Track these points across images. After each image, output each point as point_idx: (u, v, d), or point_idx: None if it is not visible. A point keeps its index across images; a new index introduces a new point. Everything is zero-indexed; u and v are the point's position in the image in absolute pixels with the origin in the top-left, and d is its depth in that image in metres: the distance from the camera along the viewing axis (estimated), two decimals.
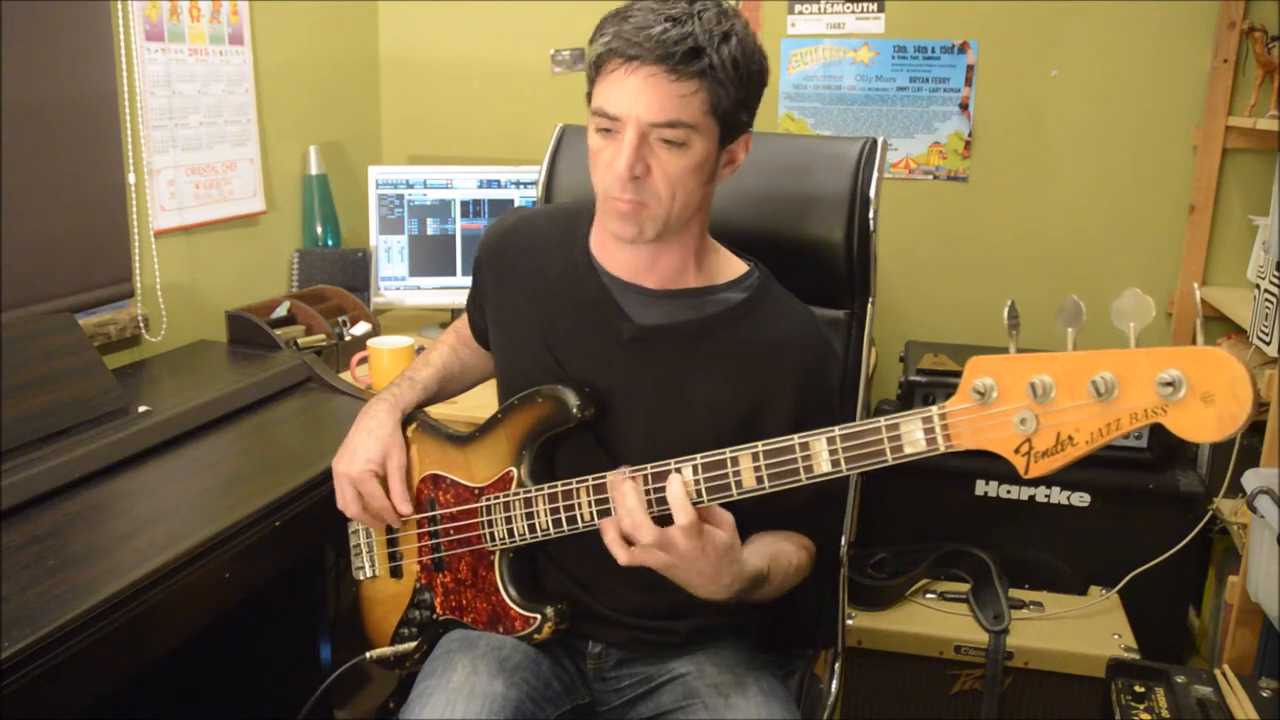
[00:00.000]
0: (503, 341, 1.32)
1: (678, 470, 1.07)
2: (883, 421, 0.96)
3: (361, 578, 1.39)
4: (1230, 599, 1.94)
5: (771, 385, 1.20)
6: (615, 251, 1.23)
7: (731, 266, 1.26)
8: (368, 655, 1.35)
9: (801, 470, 1.02)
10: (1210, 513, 2.04)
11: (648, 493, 1.08)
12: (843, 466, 1.00)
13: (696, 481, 1.06)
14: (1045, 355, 0.86)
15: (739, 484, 1.05)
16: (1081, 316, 0.86)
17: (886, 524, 2.21)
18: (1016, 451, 0.88)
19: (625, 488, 1.06)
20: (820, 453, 1.01)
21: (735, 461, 1.05)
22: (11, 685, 1.01)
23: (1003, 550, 2.12)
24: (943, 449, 0.93)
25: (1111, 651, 1.87)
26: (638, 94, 1.08)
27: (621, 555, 1.06)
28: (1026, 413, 0.87)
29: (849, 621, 1.97)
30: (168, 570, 1.21)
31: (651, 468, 1.09)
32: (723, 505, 1.08)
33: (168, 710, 1.72)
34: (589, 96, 1.15)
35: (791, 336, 1.23)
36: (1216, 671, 1.65)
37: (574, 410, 1.19)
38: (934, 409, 0.93)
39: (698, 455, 1.07)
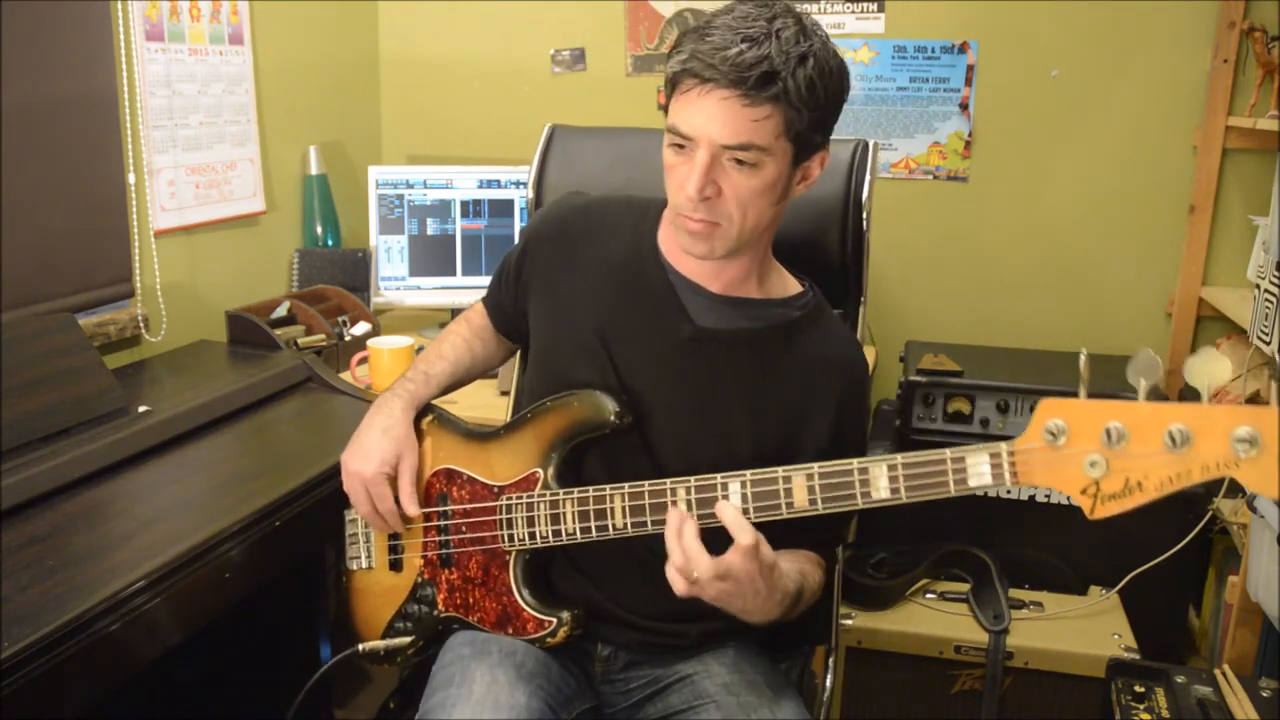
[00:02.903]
0: (548, 325, 1.30)
1: (724, 496, 1.07)
2: (948, 453, 0.97)
3: (356, 568, 1.38)
4: (1230, 599, 1.94)
5: (813, 402, 1.21)
6: (683, 252, 1.23)
7: (789, 284, 1.28)
8: (360, 648, 1.34)
9: (859, 495, 1.02)
10: (1210, 513, 2.04)
11: (690, 505, 1.09)
12: (902, 494, 1.00)
13: (744, 497, 1.06)
14: (1120, 403, 0.89)
15: (790, 504, 1.05)
16: (1158, 371, 0.89)
17: (886, 524, 2.20)
18: (1083, 493, 0.91)
19: (687, 529, 1.03)
20: (879, 479, 1.01)
21: (788, 480, 1.05)
22: (12, 685, 1.01)
23: (1003, 550, 2.11)
24: (1008, 484, 0.95)
25: (1111, 651, 1.87)
26: (710, 117, 1.07)
27: (680, 586, 1.04)
28: (1097, 456, 0.89)
29: (849, 621, 1.97)
30: (168, 570, 1.21)
31: (696, 480, 1.09)
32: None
33: (168, 710, 1.72)
34: (664, 108, 1.15)
35: (839, 358, 1.24)
36: (1216, 671, 1.65)
37: (611, 417, 1.19)
38: (1003, 445, 0.95)
39: (747, 472, 1.07)
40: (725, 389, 1.21)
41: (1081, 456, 0.90)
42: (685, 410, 1.21)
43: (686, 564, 1.02)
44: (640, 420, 1.21)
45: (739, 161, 1.09)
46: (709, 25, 1.09)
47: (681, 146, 1.11)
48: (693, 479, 1.10)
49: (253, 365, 1.88)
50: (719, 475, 1.08)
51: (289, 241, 2.45)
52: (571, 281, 1.27)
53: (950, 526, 2.16)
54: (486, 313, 1.44)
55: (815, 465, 1.04)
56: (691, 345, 1.21)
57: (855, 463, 1.02)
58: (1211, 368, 0.86)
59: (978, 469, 0.96)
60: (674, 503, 1.11)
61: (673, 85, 1.11)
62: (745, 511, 1.06)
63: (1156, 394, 0.88)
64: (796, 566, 1.18)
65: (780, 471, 1.05)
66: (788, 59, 1.06)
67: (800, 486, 1.04)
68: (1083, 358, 0.94)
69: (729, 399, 1.20)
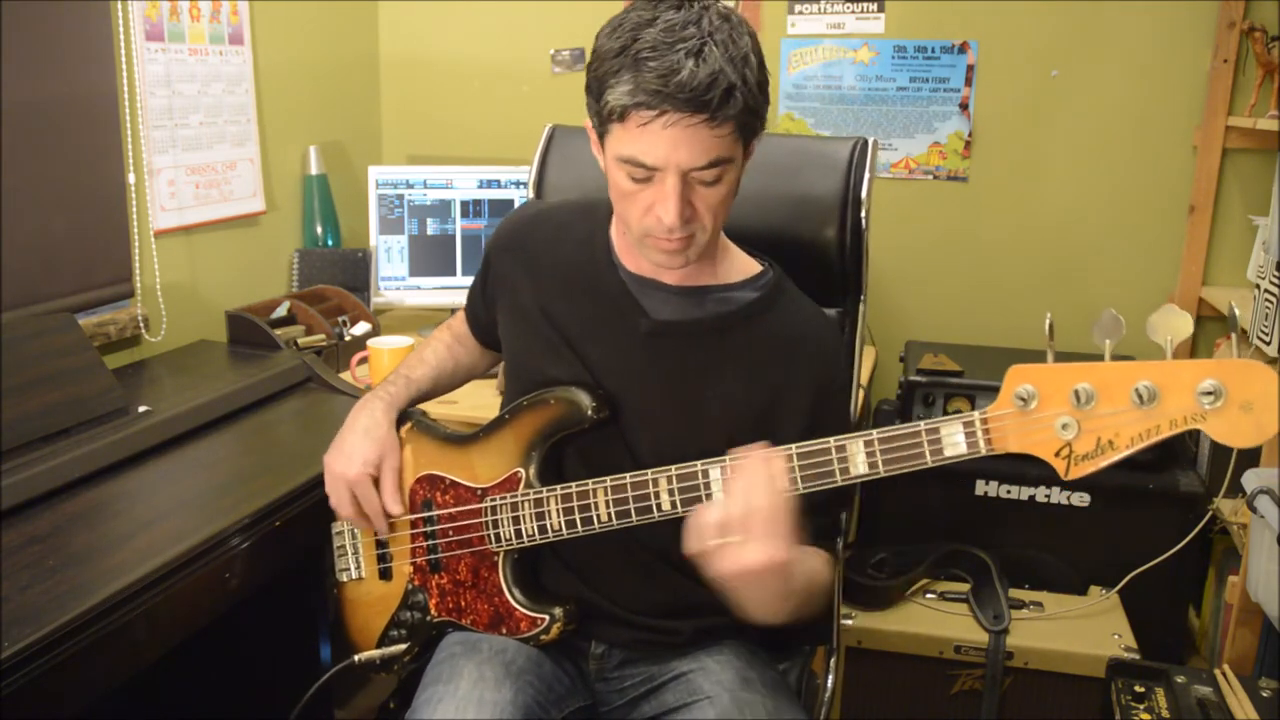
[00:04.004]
0: (515, 330, 1.31)
1: (705, 483, 1.06)
2: (922, 425, 0.98)
3: (346, 579, 1.38)
4: (1230, 599, 1.94)
5: (786, 383, 1.20)
6: (637, 252, 1.23)
7: (746, 266, 1.27)
8: (356, 659, 1.34)
9: (837, 472, 1.02)
10: (1210, 513, 2.04)
11: (672, 493, 1.09)
12: (880, 469, 1.00)
13: (726, 482, 1.05)
14: (1086, 365, 0.91)
15: None
16: (1120, 329, 0.90)
17: (886, 524, 2.21)
18: (1057, 455, 0.92)
19: (774, 461, 1.01)
20: (857, 455, 1.01)
21: None
22: (12, 685, 1.01)
23: (1003, 550, 2.11)
24: (984, 451, 0.96)
25: (1111, 651, 1.87)
26: (676, 144, 1.04)
27: (706, 532, 0.99)
28: (1068, 418, 0.91)
29: (849, 622, 1.97)
30: (168, 570, 1.21)
31: (676, 469, 1.09)
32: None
33: (168, 710, 1.72)
34: (601, 133, 1.11)
35: (804, 336, 1.23)
36: (1216, 671, 1.65)
37: (588, 412, 1.19)
38: (975, 413, 0.96)
39: (727, 458, 1.06)
40: (691, 379, 1.21)
41: (1053, 419, 0.91)
42: (655, 404, 1.21)
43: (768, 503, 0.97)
44: (614, 417, 1.21)
45: (706, 181, 1.08)
46: (637, 45, 1.03)
47: (639, 176, 1.08)
48: (673, 468, 1.09)
49: (253, 365, 1.88)
50: (699, 462, 1.08)
51: (289, 241, 2.45)
52: (532, 288, 1.28)
53: (950, 526, 2.16)
54: (467, 321, 1.47)
55: (793, 445, 1.03)
56: (651, 340, 1.21)
57: (833, 440, 1.02)
58: (1173, 323, 0.88)
59: (952, 438, 0.97)
60: (655, 494, 1.10)
61: (620, 117, 1.05)
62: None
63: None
64: (807, 567, 1.15)
65: None
66: (735, 65, 1.03)
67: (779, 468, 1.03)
68: (1048, 321, 0.96)
69: (697, 388, 1.20)
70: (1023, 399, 0.93)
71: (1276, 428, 0.82)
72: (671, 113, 1.02)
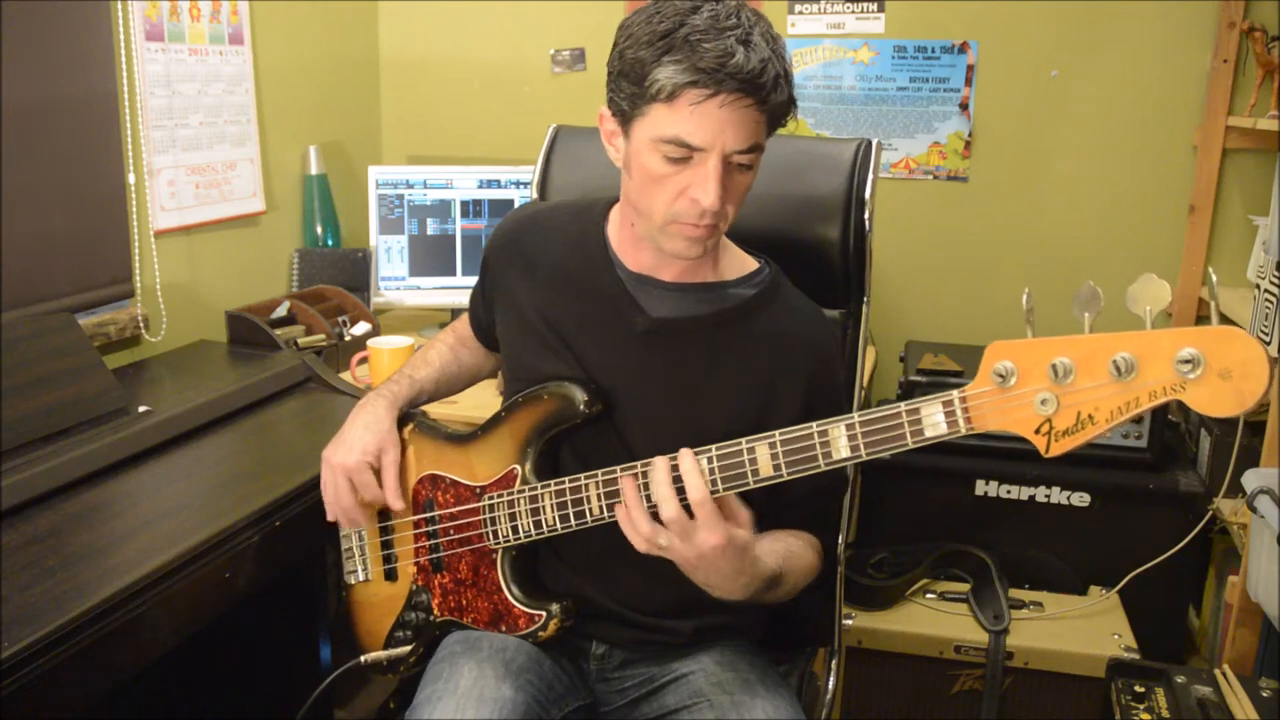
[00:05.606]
0: (513, 331, 1.32)
1: (708, 457, 1.07)
2: (902, 406, 0.98)
3: (354, 581, 1.39)
4: (1230, 599, 1.94)
5: (780, 380, 1.21)
6: (635, 248, 1.24)
7: (743, 263, 1.28)
8: (362, 659, 1.34)
9: (820, 457, 1.03)
10: (1210, 513, 2.04)
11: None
12: (862, 452, 1.01)
13: (711, 470, 1.06)
14: (1064, 338, 0.90)
15: (755, 472, 1.05)
16: (1099, 302, 0.90)
17: (886, 524, 2.21)
18: (1037, 432, 0.91)
19: (655, 462, 1.07)
20: (839, 439, 1.02)
21: (751, 450, 1.05)
22: (12, 685, 1.01)
23: (1003, 550, 2.11)
24: (964, 431, 0.95)
25: (1111, 651, 1.87)
26: (724, 126, 1.06)
27: (640, 541, 1.07)
28: (1047, 393, 0.90)
29: (849, 622, 1.97)
30: (168, 570, 1.21)
31: (666, 459, 1.09)
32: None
33: (168, 710, 1.72)
34: (632, 115, 1.11)
35: (800, 333, 1.24)
36: (1216, 671, 1.65)
37: (581, 406, 1.19)
38: (954, 392, 0.95)
39: (712, 446, 1.07)
40: (688, 376, 1.21)
41: (1032, 396, 0.90)
42: (653, 401, 1.22)
43: (658, 498, 1.05)
44: (610, 414, 1.22)
45: (741, 165, 1.10)
46: (685, 29, 1.05)
47: (679, 158, 1.09)
48: (663, 459, 1.09)
49: (253, 365, 1.88)
50: (688, 452, 1.08)
51: (289, 241, 2.45)
52: (529, 288, 1.29)
53: (950, 526, 2.16)
54: (470, 323, 1.47)
55: (777, 433, 1.05)
56: (648, 337, 1.22)
57: (815, 425, 1.03)
58: (1152, 292, 0.87)
59: (932, 418, 0.96)
60: (645, 485, 1.10)
61: (668, 96, 1.06)
62: (714, 483, 1.06)
63: None
64: (782, 546, 1.18)
65: (744, 442, 1.06)
66: (779, 57, 1.08)
67: (764, 454, 1.05)
68: (1025, 296, 0.95)
69: (694, 385, 1.21)
70: (1001, 376, 0.92)
71: (1257, 396, 0.80)
72: (727, 94, 1.05)
